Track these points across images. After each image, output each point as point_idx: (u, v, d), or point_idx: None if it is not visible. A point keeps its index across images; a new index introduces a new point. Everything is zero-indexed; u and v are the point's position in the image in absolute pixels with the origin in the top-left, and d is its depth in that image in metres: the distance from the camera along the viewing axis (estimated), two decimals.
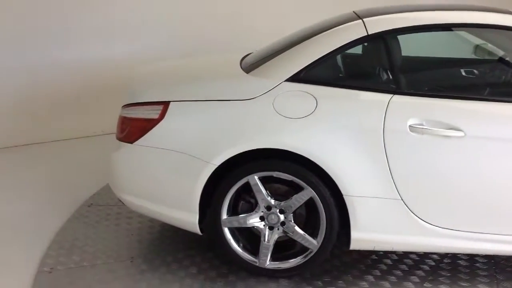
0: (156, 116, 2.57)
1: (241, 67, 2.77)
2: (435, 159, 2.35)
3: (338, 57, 2.66)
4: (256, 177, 2.49)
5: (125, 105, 2.75)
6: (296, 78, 2.48)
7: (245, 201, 2.64)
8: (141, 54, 5.03)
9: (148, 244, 3.09)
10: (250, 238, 2.67)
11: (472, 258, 2.82)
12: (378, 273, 2.72)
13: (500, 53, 2.87)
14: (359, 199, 2.40)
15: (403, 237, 2.46)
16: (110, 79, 5.01)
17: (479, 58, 2.90)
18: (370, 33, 2.47)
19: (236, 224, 2.61)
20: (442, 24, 2.55)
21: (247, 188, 2.55)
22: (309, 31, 2.71)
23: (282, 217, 2.55)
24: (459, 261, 2.79)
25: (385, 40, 2.48)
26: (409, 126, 2.34)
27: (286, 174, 2.47)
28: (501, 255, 2.79)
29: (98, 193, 3.83)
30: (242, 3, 5.37)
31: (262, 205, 2.55)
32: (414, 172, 2.37)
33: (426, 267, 2.75)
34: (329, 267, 2.75)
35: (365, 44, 2.60)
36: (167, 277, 2.72)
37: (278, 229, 2.57)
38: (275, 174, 2.48)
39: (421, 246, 2.51)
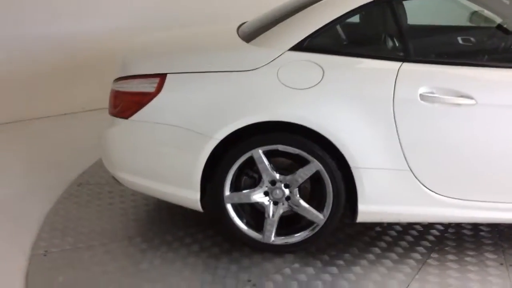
0: (152, 90, 2.45)
1: (239, 37, 2.65)
2: (445, 128, 2.30)
3: (344, 24, 2.55)
4: (260, 151, 2.40)
5: (118, 78, 2.61)
6: (301, 46, 2.37)
7: (248, 177, 2.56)
8: (128, 27, 4.80)
9: (145, 222, 2.99)
10: (253, 214, 2.60)
11: (476, 227, 2.80)
12: (383, 244, 2.68)
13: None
14: (367, 171, 2.34)
15: (411, 208, 2.42)
16: (95, 51, 4.80)
17: (488, 25, 2.83)
18: None
19: (240, 200, 2.52)
20: None
21: (249, 164, 2.47)
22: None
23: (287, 191, 2.48)
24: (464, 231, 2.78)
25: (391, 6, 2.39)
26: (420, 94, 2.27)
27: (292, 148, 2.39)
28: (504, 223, 2.78)
29: (87, 171, 3.68)
30: None
31: (266, 180, 2.47)
32: (424, 142, 2.32)
33: (431, 237, 2.73)
34: (333, 241, 2.70)
35: (372, 10, 2.50)
36: (168, 256, 2.64)
37: (283, 204, 2.50)
38: (280, 147, 2.40)
39: (428, 217, 2.48)
